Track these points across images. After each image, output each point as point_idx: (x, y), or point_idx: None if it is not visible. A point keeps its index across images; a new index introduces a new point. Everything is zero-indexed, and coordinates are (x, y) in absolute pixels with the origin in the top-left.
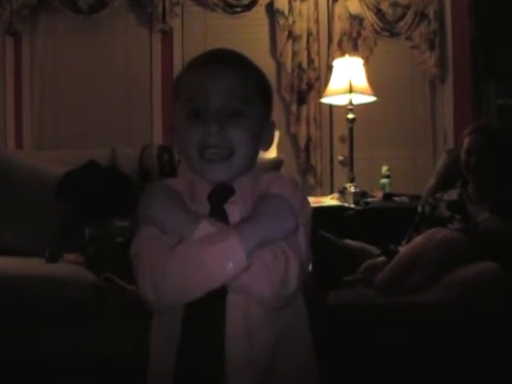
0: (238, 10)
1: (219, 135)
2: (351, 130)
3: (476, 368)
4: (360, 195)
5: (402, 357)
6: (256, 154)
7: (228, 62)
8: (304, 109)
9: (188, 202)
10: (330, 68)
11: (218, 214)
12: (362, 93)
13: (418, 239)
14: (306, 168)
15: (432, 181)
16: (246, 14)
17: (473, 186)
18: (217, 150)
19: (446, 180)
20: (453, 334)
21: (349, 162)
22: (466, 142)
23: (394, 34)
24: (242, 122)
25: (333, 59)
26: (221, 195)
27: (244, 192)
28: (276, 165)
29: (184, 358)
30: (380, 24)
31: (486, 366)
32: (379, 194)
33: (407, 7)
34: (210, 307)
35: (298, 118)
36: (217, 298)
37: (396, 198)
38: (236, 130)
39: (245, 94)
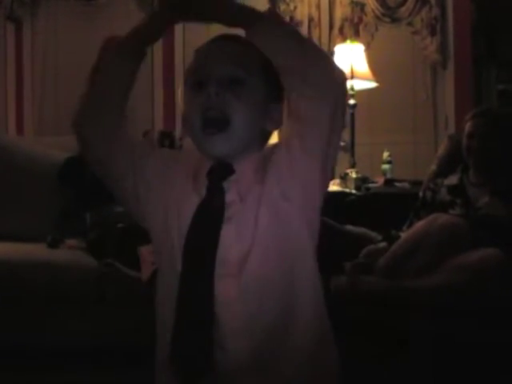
0: None
1: (218, 97)
2: (352, 116)
3: (478, 353)
4: (361, 181)
5: (405, 342)
6: (259, 132)
7: (229, 39)
8: None
9: (189, 180)
10: (331, 54)
11: (215, 189)
12: (363, 78)
13: (419, 224)
14: None
15: (433, 166)
16: None
17: (474, 169)
18: (216, 112)
19: (447, 165)
20: (454, 319)
21: (350, 148)
22: (467, 127)
23: (395, 20)
24: (242, 90)
25: (334, 45)
26: (220, 173)
27: (245, 173)
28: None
29: (180, 306)
30: (381, 10)
31: (488, 351)
32: (380, 180)
33: None
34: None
35: None
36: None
37: (397, 184)
38: (235, 96)
39: (244, 64)
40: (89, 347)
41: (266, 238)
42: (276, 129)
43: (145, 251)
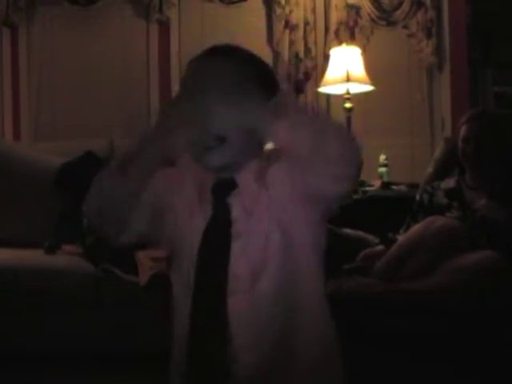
0: None
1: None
2: (349, 119)
3: (476, 354)
4: (358, 184)
5: (400, 344)
6: (256, 143)
7: (224, 53)
8: (301, 98)
9: (195, 188)
10: (326, 57)
11: (220, 206)
12: (360, 82)
13: (416, 227)
14: None
15: (430, 169)
16: (243, 3)
17: (470, 173)
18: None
19: (443, 168)
20: (452, 322)
21: None
22: (462, 130)
23: (390, 23)
24: (234, 108)
25: (330, 48)
26: (223, 189)
27: (247, 185)
28: (274, 155)
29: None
30: (377, 13)
31: (487, 353)
32: (377, 183)
33: None
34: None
35: None
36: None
37: (394, 187)
38: (228, 115)
39: (238, 82)
40: (87, 351)
41: (278, 255)
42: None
43: (142, 256)
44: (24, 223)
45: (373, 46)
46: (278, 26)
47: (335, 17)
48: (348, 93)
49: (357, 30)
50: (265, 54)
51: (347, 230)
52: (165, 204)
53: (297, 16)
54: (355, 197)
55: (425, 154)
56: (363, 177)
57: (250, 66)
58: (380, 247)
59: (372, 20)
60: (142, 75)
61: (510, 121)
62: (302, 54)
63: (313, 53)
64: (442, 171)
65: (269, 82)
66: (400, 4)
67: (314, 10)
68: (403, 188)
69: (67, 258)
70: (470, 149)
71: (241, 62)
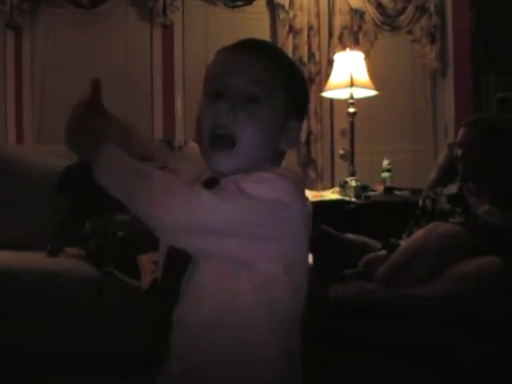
0: (239, 3)
1: (228, 115)
2: (352, 124)
3: (477, 361)
4: (361, 189)
5: (401, 350)
6: (268, 150)
7: (254, 50)
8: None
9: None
10: (330, 62)
11: None
12: (363, 87)
13: (418, 233)
14: (307, 162)
15: (433, 175)
16: (247, 7)
17: (461, 178)
18: (223, 131)
19: (446, 174)
20: (454, 328)
21: (350, 156)
22: (458, 136)
23: (394, 28)
24: (257, 109)
25: (333, 53)
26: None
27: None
28: None
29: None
30: (381, 18)
31: (488, 359)
32: (380, 188)
33: (408, 1)
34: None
35: None
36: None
37: (397, 192)
38: (247, 115)
39: (265, 83)
40: (89, 354)
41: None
42: (290, 148)
43: (145, 260)
44: (27, 226)
45: (376, 51)
46: (282, 31)
47: (339, 21)
48: (351, 97)
49: (361, 35)
50: None
51: (350, 235)
52: None
53: (301, 20)
54: (358, 202)
55: (428, 159)
56: (366, 181)
57: (280, 67)
58: (382, 252)
59: (376, 25)
60: (145, 78)
61: (510, 127)
62: (305, 59)
63: (316, 57)
64: (444, 177)
65: (295, 88)
66: (404, 9)
67: (317, 15)
68: (406, 193)
69: (70, 261)
70: (460, 153)
71: (272, 60)
